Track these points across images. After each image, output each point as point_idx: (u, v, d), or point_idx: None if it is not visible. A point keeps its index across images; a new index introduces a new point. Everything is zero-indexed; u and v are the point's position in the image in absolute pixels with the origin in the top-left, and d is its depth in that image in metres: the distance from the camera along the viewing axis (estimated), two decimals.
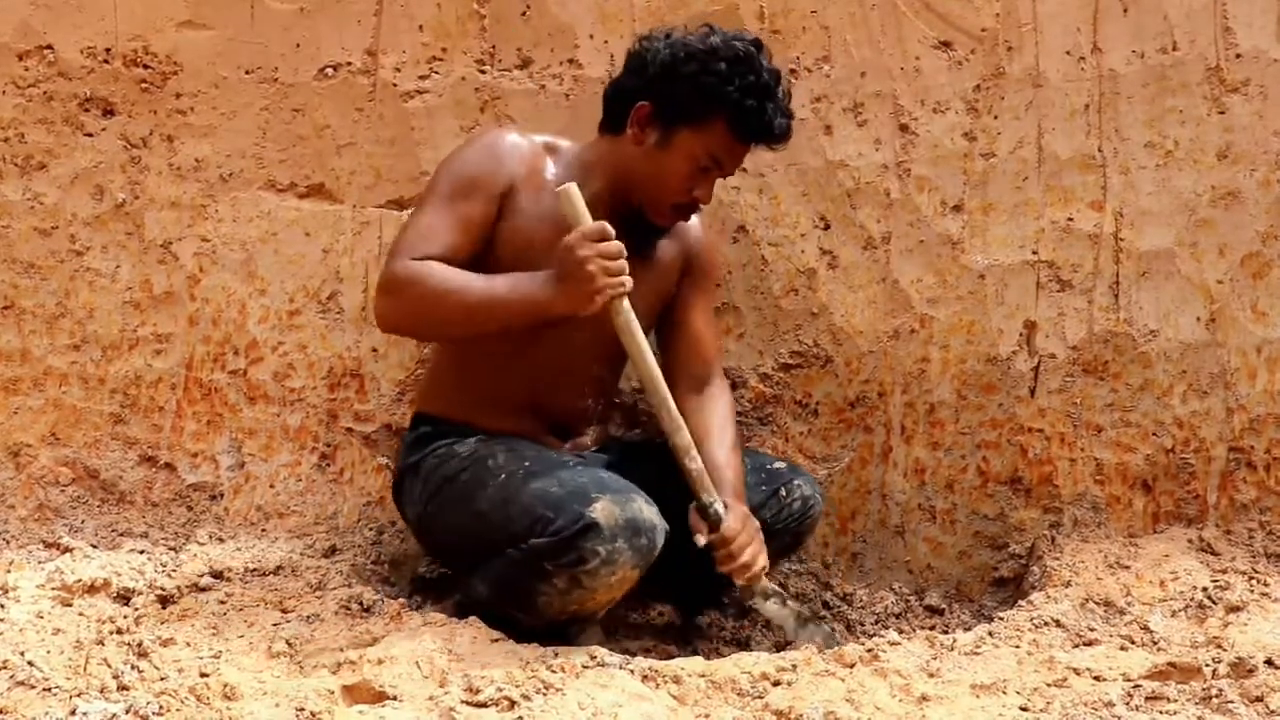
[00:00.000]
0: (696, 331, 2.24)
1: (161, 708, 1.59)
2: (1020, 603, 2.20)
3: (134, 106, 2.53)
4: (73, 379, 2.54)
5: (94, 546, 2.35)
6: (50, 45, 2.53)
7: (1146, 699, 1.71)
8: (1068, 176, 2.47)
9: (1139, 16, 2.45)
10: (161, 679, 1.74)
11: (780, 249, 2.52)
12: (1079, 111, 2.46)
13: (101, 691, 1.67)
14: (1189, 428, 2.47)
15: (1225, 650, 1.87)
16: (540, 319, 1.92)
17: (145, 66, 2.53)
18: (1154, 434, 2.47)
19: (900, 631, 2.13)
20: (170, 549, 2.37)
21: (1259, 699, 1.67)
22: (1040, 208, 2.48)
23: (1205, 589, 2.13)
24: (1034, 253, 2.49)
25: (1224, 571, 2.24)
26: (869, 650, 1.88)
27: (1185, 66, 2.44)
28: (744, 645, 2.32)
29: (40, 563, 2.24)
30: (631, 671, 1.78)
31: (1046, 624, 2.02)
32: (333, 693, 1.66)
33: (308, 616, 1.94)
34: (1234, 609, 2.04)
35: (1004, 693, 1.75)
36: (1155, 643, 1.96)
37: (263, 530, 2.48)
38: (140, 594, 2.07)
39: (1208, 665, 1.80)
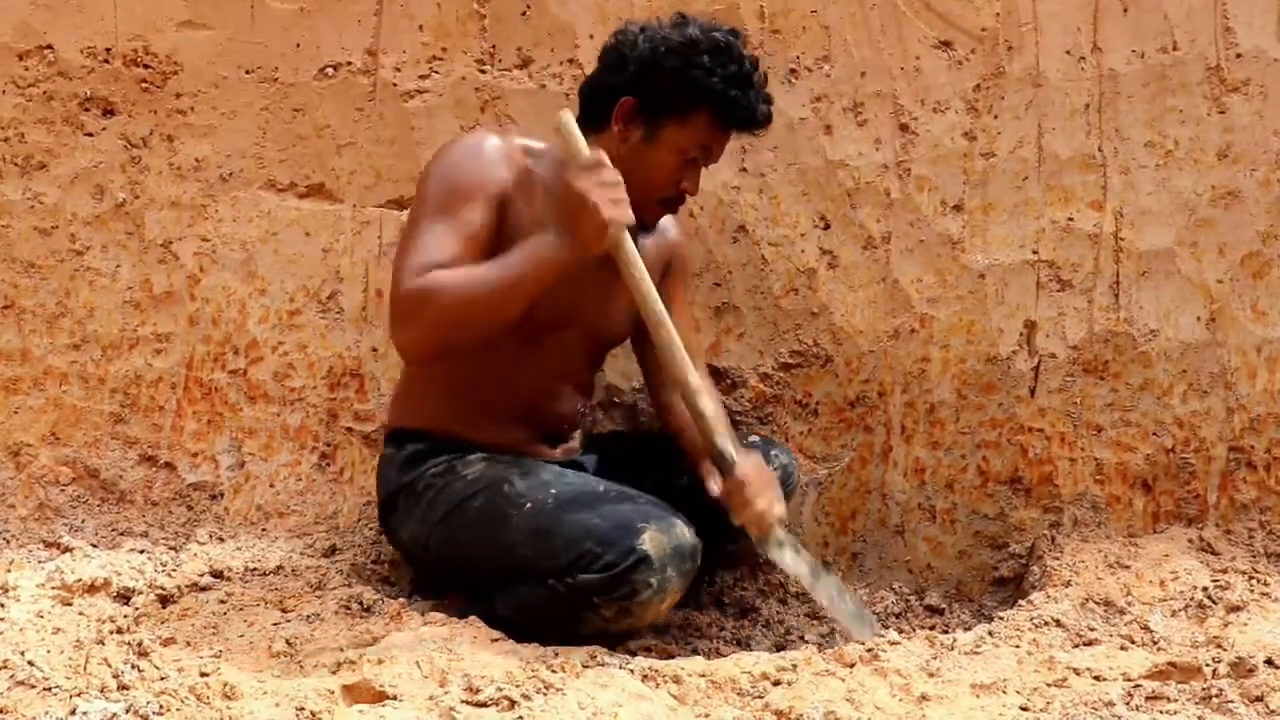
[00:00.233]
0: (680, 329, 2.22)
1: (161, 707, 1.59)
2: (1020, 602, 2.19)
3: (134, 106, 2.53)
4: (73, 378, 2.54)
5: (94, 546, 2.35)
6: (50, 45, 2.53)
7: (1147, 699, 1.71)
8: (1068, 176, 2.47)
9: (1139, 16, 2.45)
10: (161, 678, 1.74)
11: (780, 249, 2.52)
12: (1079, 111, 2.47)
13: (101, 691, 1.67)
14: (1189, 427, 2.47)
15: (1225, 650, 1.87)
16: (560, 272, 1.86)
17: (145, 66, 2.53)
18: (1154, 434, 2.47)
19: (900, 631, 2.13)
20: (170, 548, 2.37)
21: (1259, 699, 1.67)
22: (1040, 207, 2.48)
23: (1205, 589, 2.13)
24: (1034, 252, 2.49)
25: (1224, 571, 2.24)
26: (869, 650, 1.88)
27: (1185, 66, 2.44)
28: (744, 645, 2.32)
29: (40, 562, 2.24)
30: (631, 671, 1.78)
31: (1046, 624, 2.02)
32: (333, 692, 1.66)
33: (308, 616, 1.94)
34: (1234, 609, 2.04)
35: (1004, 692, 1.75)
36: (1155, 642, 1.96)
37: (263, 530, 2.48)
38: (140, 593, 2.07)
39: (1208, 665, 1.80)
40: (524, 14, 2.51)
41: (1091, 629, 2.01)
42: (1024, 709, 1.70)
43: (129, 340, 2.55)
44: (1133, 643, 1.95)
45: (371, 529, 2.46)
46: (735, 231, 2.52)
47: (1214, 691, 1.69)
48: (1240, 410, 2.46)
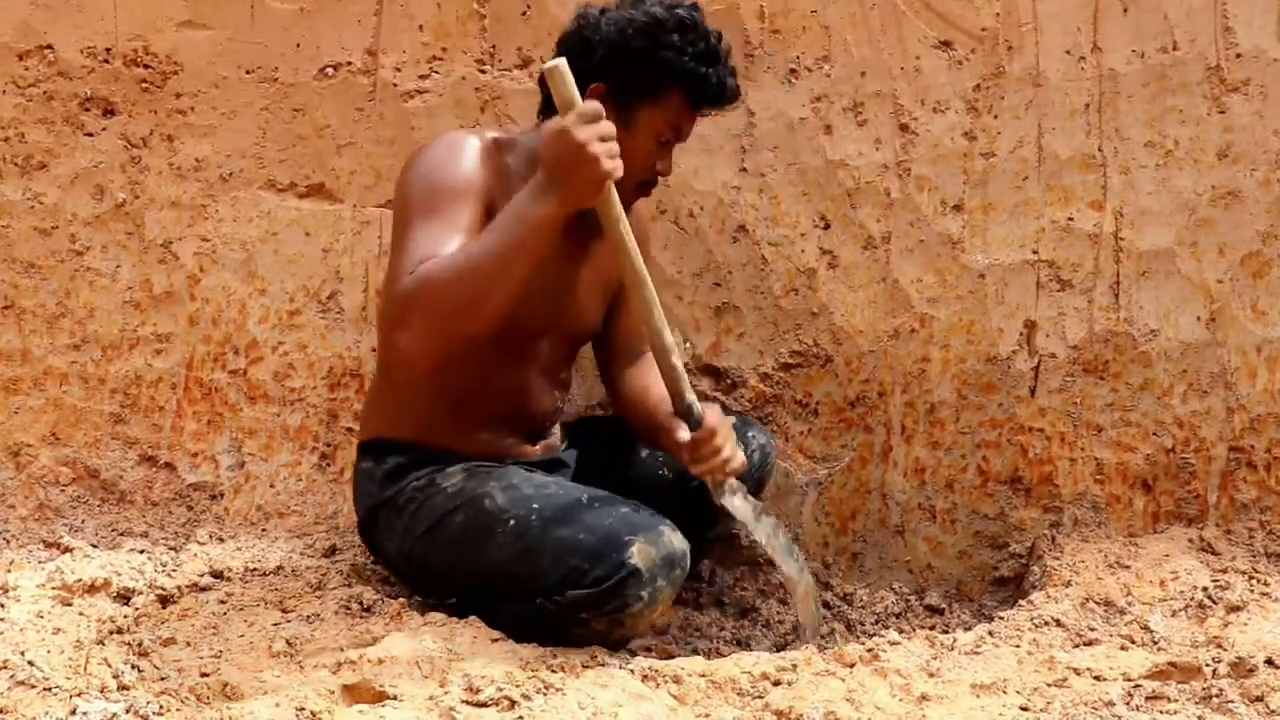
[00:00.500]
0: (636, 323, 2.16)
1: (162, 707, 1.59)
2: (1020, 602, 2.20)
3: (134, 106, 2.53)
4: (73, 379, 2.54)
5: (94, 546, 2.35)
6: (50, 45, 2.53)
7: (1147, 699, 1.71)
8: (1068, 176, 2.47)
9: (1139, 16, 2.45)
10: (162, 679, 1.74)
11: (780, 249, 2.52)
12: (1079, 111, 2.47)
13: (102, 691, 1.67)
14: (1189, 427, 2.47)
15: (1225, 650, 1.87)
16: (556, 229, 1.80)
17: (145, 66, 2.53)
18: (1154, 434, 2.47)
19: (900, 631, 2.14)
20: (170, 549, 2.37)
21: (1259, 699, 1.67)
22: (1040, 207, 2.48)
23: (1205, 589, 2.13)
24: (1034, 252, 2.49)
25: (1224, 571, 2.24)
26: (869, 650, 1.88)
27: (1185, 66, 2.44)
28: (744, 645, 2.32)
29: (40, 562, 2.24)
30: (631, 671, 1.78)
31: (1047, 624, 2.02)
32: (333, 692, 1.66)
33: (308, 616, 1.94)
34: (1234, 609, 2.05)
35: (1004, 692, 1.75)
36: (1155, 642, 1.96)
37: (263, 530, 2.48)
38: (140, 594, 2.07)
39: (1208, 665, 1.80)
40: (524, 14, 2.51)
41: (1092, 629, 2.01)
42: (1024, 709, 1.71)
43: (129, 340, 2.55)
44: (1133, 643, 1.95)
45: None
46: (735, 231, 2.52)
47: (1214, 691, 1.69)
48: (1240, 410, 2.46)
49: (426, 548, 1.98)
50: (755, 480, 2.22)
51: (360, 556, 2.32)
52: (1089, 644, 1.95)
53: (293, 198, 2.55)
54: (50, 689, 1.64)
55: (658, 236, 2.52)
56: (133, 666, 1.78)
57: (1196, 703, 1.68)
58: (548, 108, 2.00)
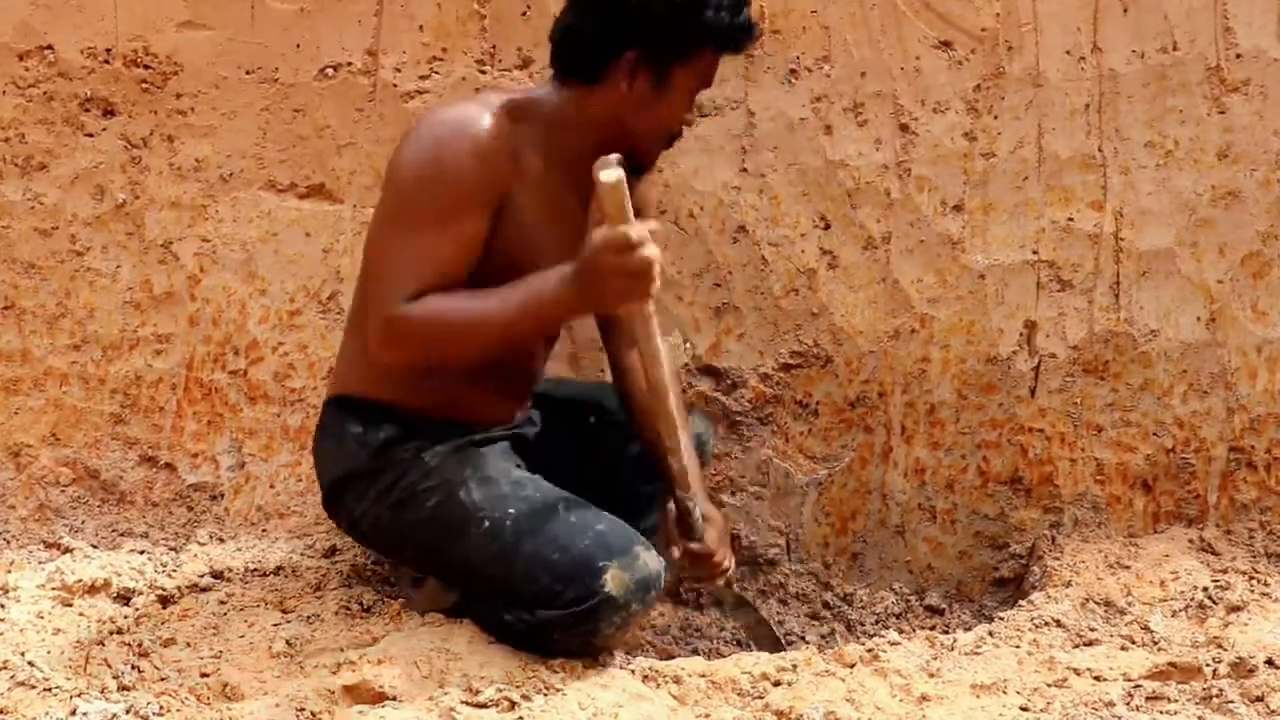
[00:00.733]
0: None
1: (162, 708, 1.59)
2: (1020, 603, 2.20)
3: (134, 107, 2.53)
4: (73, 379, 2.54)
5: (94, 547, 2.36)
6: (50, 45, 2.53)
7: (1147, 699, 1.71)
8: (1068, 176, 2.47)
9: (1139, 16, 2.44)
10: (162, 679, 1.74)
11: (780, 249, 2.52)
12: (1079, 111, 2.46)
13: (102, 692, 1.67)
14: (1189, 428, 2.47)
15: (1226, 650, 1.88)
16: (564, 322, 1.86)
17: (145, 67, 2.53)
18: (1154, 434, 2.47)
19: (900, 631, 2.14)
20: (170, 549, 2.37)
21: (1259, 699, 1.67)
22: (1040, 207, 2.48)
23: (1206, 589, 2.13)
24: (1034, 252, 2.49)
25: (1224, 571, 2.24)
26: (869, 650, 1.88)
27: (1185, 66, 2.44)
28: (744, 645, 2.32)
29: (40, 563, 2.24)
30: (632, 671, 1.78)
31: (1047, 624, 2.03)
32: (333, 693, 1.66)
33: (308, 617, 1.94)
34: (1234, 609, 2.05)
35: (1004, 693, 1.75)
36: (1156, 643, 1.96)
37: (263, 530, 2.48)
38: (140, 594, 2.07)
39: (1208, 665, 1.80)
40: (524, 14, 2.51)
41: (1092, 629, 2.01)
42: (1024, 709, 1.71)
43: (129, 341, 2.55)
44: (1133, 643, 1.95)
45: None
46: (735, 232, 2.52)
47: (1214, 692, 1.69)
48: (1240, 410, 2.46)
49: (395, 520, 1.94)
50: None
51: (360, 557, 2.32)
52: (1089, 644, 1.96)
53: (293, 198, 2.55)
54: (50, 689, 1.64)
55: (657, 237, 2.51)
56: (133, 667, 1.78)
57: (1197, 703, 1.68)
58: (568, 72, 1.91)
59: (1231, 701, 1.67)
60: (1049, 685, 1.78)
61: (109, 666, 1.79)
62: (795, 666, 1.82)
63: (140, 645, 1.85)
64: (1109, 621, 2.05)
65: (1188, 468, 2.46)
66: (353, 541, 2.37)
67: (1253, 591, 2.13)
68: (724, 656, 2.11)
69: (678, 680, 1.77)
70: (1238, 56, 2.43)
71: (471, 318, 1.77)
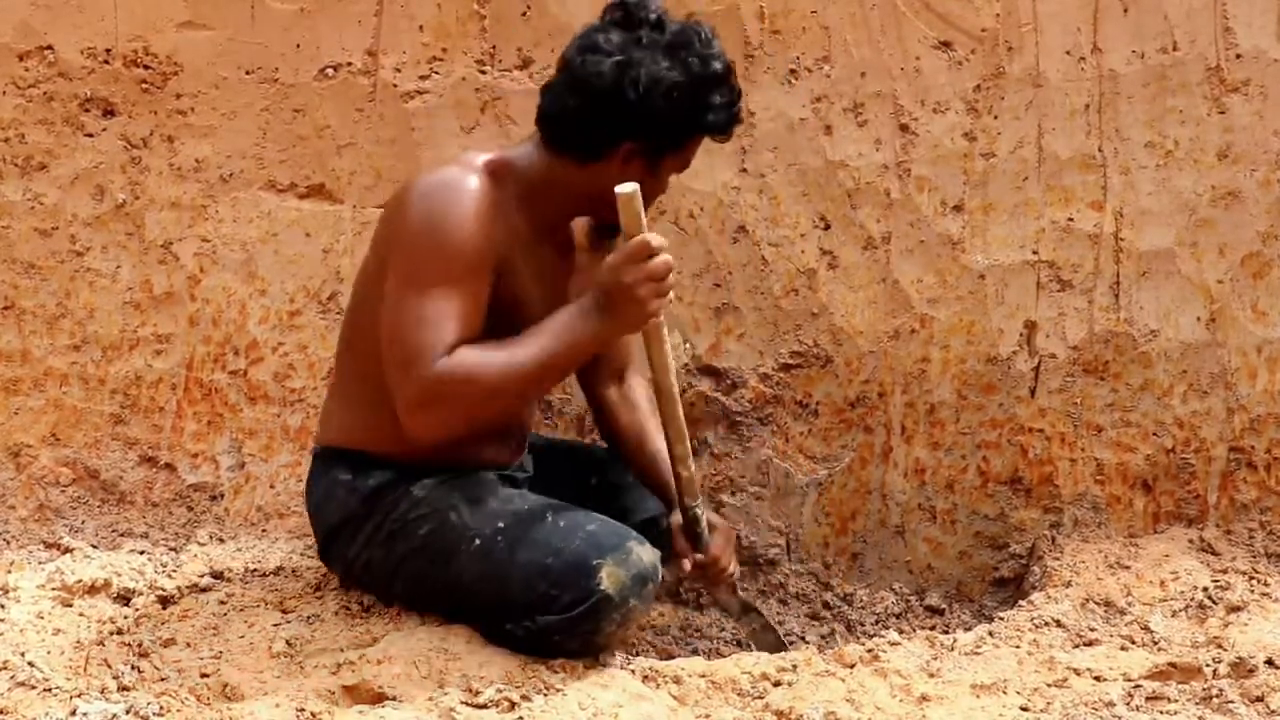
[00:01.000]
0: None
1: (162, 708, 1.59)
2: (1020, 603, 2.20)
3: (134, 107, 2.53)
4: (73, 379, 2.54)
5: (94, 547, 2.35)
6: (50, 45, 2.52)
7: (1147, 699, 1.71)
8: (1068, 176, 2.47)
9: (1139, 16, 2.44)
10: (162, 679, 1.74)
11: (780, 249, 2.52)
12: (1079, 111, 2.46)
13: (102, 692, 1.67)
14: (1189, 428, 2.47)
15: (1225, 650, 1.88)
16: (592, 354, 1.88)
17: (145, 67, 2.53)
18: (1154, 434, 2.47)
19: (900, 631, 2.14)
20: (170, 549, 2.37)
21: (1259, 699, 1.67)
22: (1040, 208, 2.48)
23: (1206, 589, 2.13)
24: (1034, 253, 2.49)
25: (1224, 571, 2.24)
26: (869, 650, 1.88)
27: (1185, 66, 2.44)
28: (744, 645, 2.32)
29: (41, 563, 2.24)
30: (632, 672, 1.78)
31: (1047, 624, 2.03)
32: (333, 693, 1.66)
33: (308, 617, 1.94)
34: (1234, 609, 2.05)
35: (1004, 693, 1.75)
36: (1156, 643, 1.96)
37: (263, 530, 2.48)
38: (140, 594, 2.07)
39: (1208, 665, 1.80)
40: (524, 14, 2.50)
41: (1092, 629, 2.01)
42: (1024, 709, 1.71)
43: (129, 341, 2.55)
44: (1133, 643, 1.96)
45: None
46: (735, 232, 2.52)
47: (1214, 692, 1.69)
48: (1240, 410, 2.46)
49: (387, 555, 1.92)
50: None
51: None
52: (1089, 644, 1.96)
53: (293, 198, 2.55)
54: (50, 690, 1.64)
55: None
56: (133, 667, 1.78)
57: (1197, 703, 1.68)
58: (563, 146, 1.91)
59: (1231, 701, 1.67)
60: (1049, 685, 1.78)
61: (109, 667, 1.79)
62: (795, 667, 1.82)
63: (140, 645, 1.85)
64: (1109, 622, 2.05)
65: (1188, 468, 2.46)
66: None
67: (1253, 592, 2.13)
68: (724, 656, 2.11)
69: (678, 680, 1.77)
70: (1238, 57, 2.43)
71: (507, 366, 1.77)
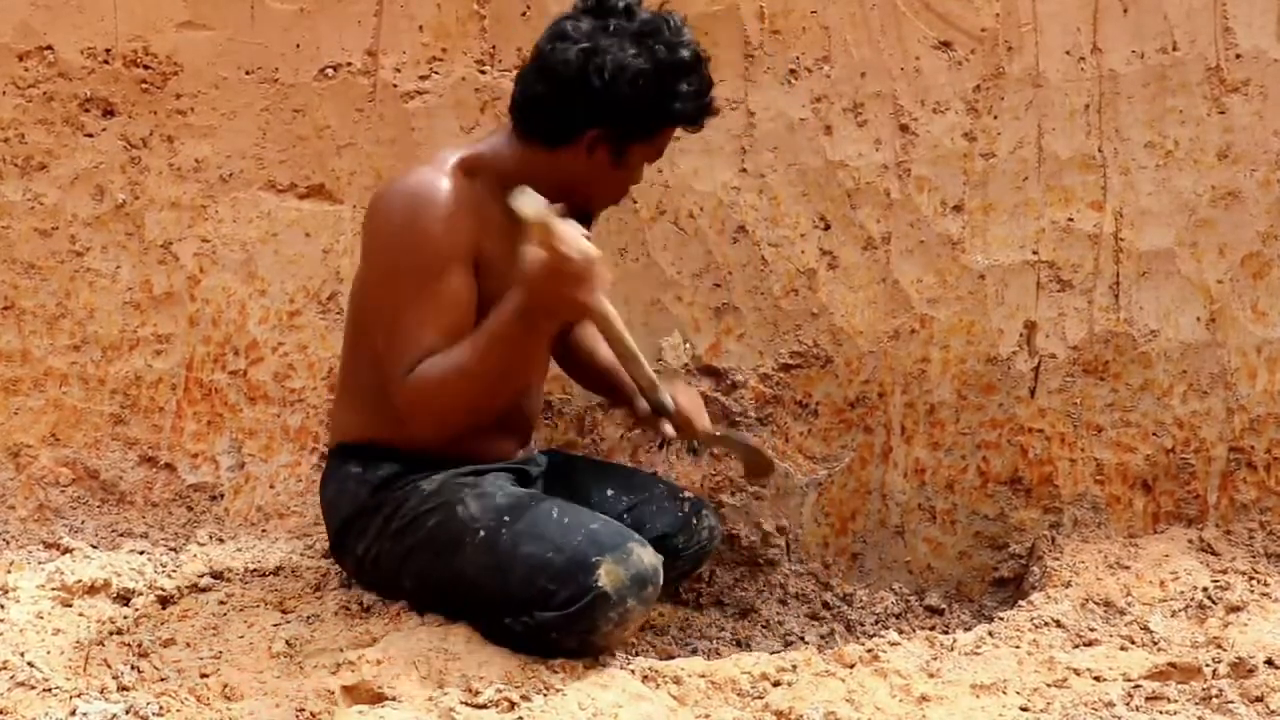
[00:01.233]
0: None
1: (161, 708, 1.59)
2: (1020, 603, 2.20)
3: (134, 107, 2.54)
4: (73, 379, 2.54)
5: (94, 547, 2.36)
6: (50, 46, 2.53)
7: (1147, 699, 1.71)
8: (1068, 176, 2.47)
9: (1139, 16, 2.45)
10: (161, 679, 1.74)
11: (780, 249, 2.52)
12: (1079, 111, 2.46)
13: (101, 692, 1.67)
14: (1189, 428, 2.47)
15: (1225, 650, 1.88)
16: (550, 342, 1.90)
17: (145, 67, 2.53)
18: (1154, 434, 2.47)
19: (900, 632, 2.14)
20: (170, 549, 2.37)
21: (1259, 699, 1.67)
22: (1040, 208, 2.48)
23: (1205, 589, 2.13)
24: (1034, 253, 2.49)
25: (1224, 572, 2.24)
26: (869, 650, 1.88)
27: (1185, 66, 2.44)
28: (744, 646, 2.32)
29: (40, 563, 2.24)
30: (632, 672, 1.78)
31: (1047, 624, 2.03)
32: (332, 693, 1.66)
33: (307, 617, 1.94)
34: (1234, 609, 2.05)
35: (1004, 693, 1.75)
36: (1155, 643, 1.96)
37: (263, 531, 2.48)
38: (140, 594, 2.07)
39: (1208, 665, 1.80)
40: (524, 14, 2.51)
41: (1091, 629, 2.01)
42: (1024, 709, 1.71)
43: (129, 341, 2.55)
44: (1133, 643, 1.95)
45: None
46: (735, 232, 2.52)
47: (1214, 692, 1.69)
48: (1240, 411, 2.46)
49: (395, 547, 1.94)
50: (694, 561, 2.28)
51: None
52: (1089, 644, 1.96)
53: (293, 198, 2.55)
54: (50, 690, 1.64)
55: (657, 236, 2.52)
56: (132, 667, 1.78)
57: (1196, 703, 1.68)
58: (530, 133, 1.93)
59: (1231, 702, 1.67)
60: (1049, 685, 1.78)
61: (109, 667, 1.79)
62: (795, 667, 1.82)
63: (140, 645, 1.85)
64: (1109, 622, 2.05)
65: (1187, 468, 2.46)
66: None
67: (1252, 592, 2.13)
68: (724, 657, 2.11)
69: (677, 680, 1.77)
70: (1237, 57, 2.43)
71: (456, 369, 1.80)
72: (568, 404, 2.55)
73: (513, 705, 1.63)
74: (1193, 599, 2.10)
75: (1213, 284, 2.46)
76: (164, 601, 2.05)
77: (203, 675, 1.75)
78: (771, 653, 2.08)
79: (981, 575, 2.52)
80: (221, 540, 2.41)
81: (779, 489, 2.53)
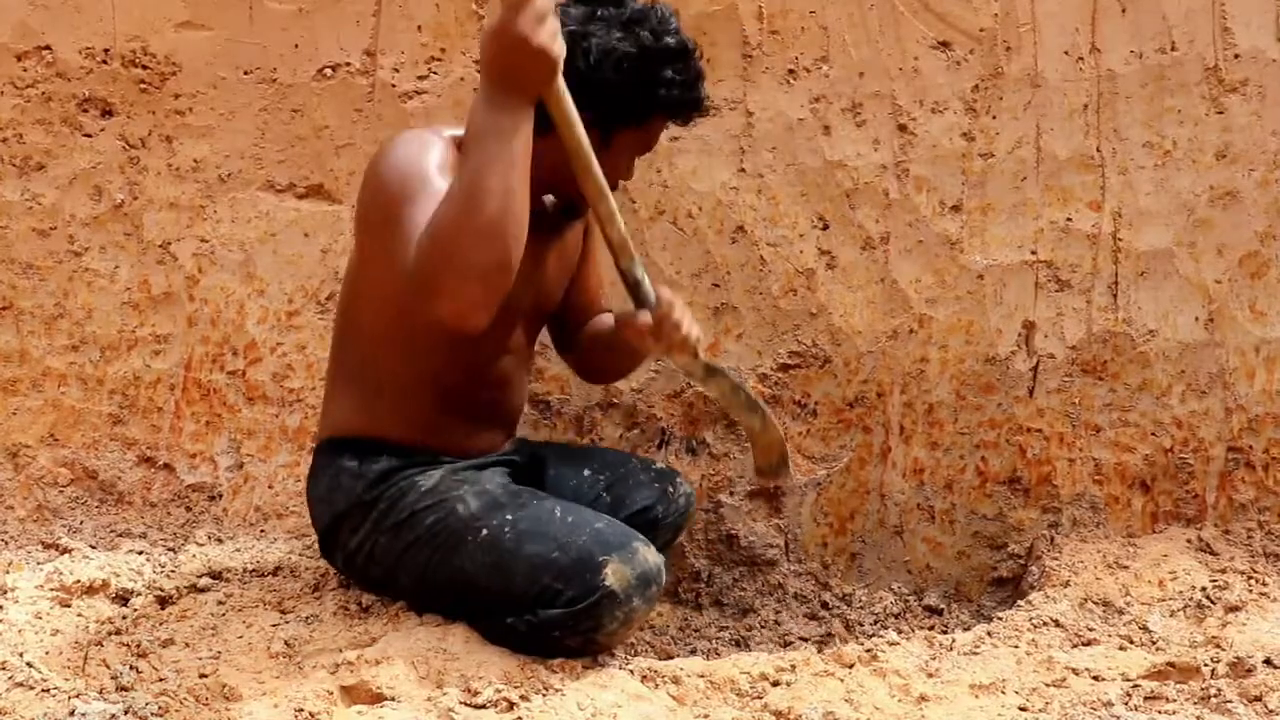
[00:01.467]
0: (592, 286, 2.25)
1: (160, 709, 1.59)
2: (1019, 603, 2.20)
3: (133, 107, 2.53)
4: (71, 379, 2.54)
5: (92, 547, 2.35)
6: (49, 46, 2.53)
7: (1145, 699, 1.71)
8: (1066, 176, 2.48)
9: (1137, 16, 2.45)
10: (160, 680, 1.74)
11: (779, 249, 2.52)
12: (1077, 111, 2.47)
13: (100, 692, 1.67)
14: (1188, 427, 2.47)
15: (1224, 650, 1.88)
16: (528, 130, 1.70)
17: (144, 67, 2.53)
18: (1153, 434, 2.48)
19: (899, 631, 2.14)
20: (169, 549, 2.37)
21: (1258, 698, 1.67)
22: (1039, 208, 2.49)
23: (1204, 589, 2.13)
24: (1032, 253, 2.49)
25: (1223, 571, 2.24)
26: (868, 650, 1.88)
27: (1184, 66, 2.44)
28: (743, 646, 2.32)
29: (39, 563, 2.24)
30: (631, 672, 1.78)
31: (1045, 624, 2.03)
32: (331, 693, 1.66)
33: (306, 617, 1.94)
34: (1232, 609, 2.05)
35: (1003, 693, 1.75)
36: (1154, 642, 1.96)
37: (261, 531, 2.48)
38: (139, 595, 2.07)
39: (1206, 665, 1.80)
40: None
41: (1090, 629, 2.01)
42: (1023, 709, 1.71)
43: (127, 341, 2.55)
44: (1131, 643, 1.96)
45: None
46: (734, 232, 2.52)
47: (1212, 691, 1.69)
48: (1239, 410, 2.46)
49: (391, 544, 1.93)
50: (676, 528, 2.27)
51: None
52: (1087, 644, 1.96)
53: (291, 198, 2.55)
54: (49, 690, 1.64)
55: (656, 237, 2.52)
56: (131, 668, 1.78)
57: (1195, 703, 1.68)
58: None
59: (1230, 701, 1.67)
60: (1047, 685, 1.78)
61: (107, 667, 1.79)
62: (794, 667, 1.82)
63: (139, 646, 1.85)
64: (1107, 621, 2.06)
65: (1186, 468, 2.47)
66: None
67: (1251, 591, 2.13)
68: (723, 657, 2.11)
69: (676, 680, 1.77)
70: (1236, 57, 2.43)
71: (460, 196, 1.64)
72: (567, 404, 2.55)
73: (512, 705, 1.63)
74: (1191, 599, 2.10)
75: (1211, 284, 2.46)
76: (163, 602, 2.05)
77: (201, 675, 1.75)
78: (770, 653, 2.08)
79: (980, 575, 2.52)
80: (220, 540, 2.41)
81: (778, 489, 2.52)
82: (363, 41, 2.53)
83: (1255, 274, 2.46)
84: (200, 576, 2.15)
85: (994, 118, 2.48)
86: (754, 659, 1.88)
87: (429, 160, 1.80)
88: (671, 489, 2.25)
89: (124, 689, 1.69)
